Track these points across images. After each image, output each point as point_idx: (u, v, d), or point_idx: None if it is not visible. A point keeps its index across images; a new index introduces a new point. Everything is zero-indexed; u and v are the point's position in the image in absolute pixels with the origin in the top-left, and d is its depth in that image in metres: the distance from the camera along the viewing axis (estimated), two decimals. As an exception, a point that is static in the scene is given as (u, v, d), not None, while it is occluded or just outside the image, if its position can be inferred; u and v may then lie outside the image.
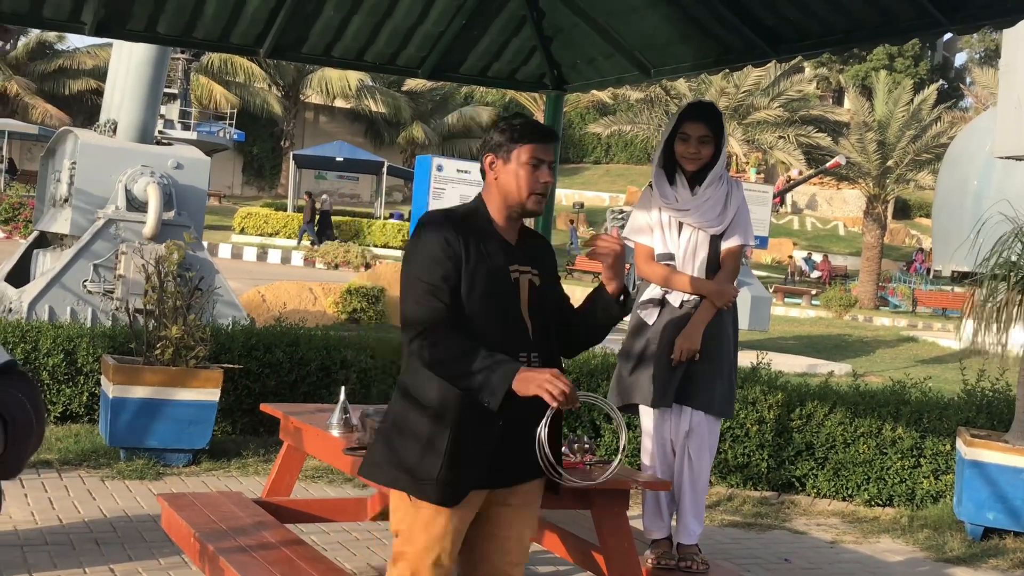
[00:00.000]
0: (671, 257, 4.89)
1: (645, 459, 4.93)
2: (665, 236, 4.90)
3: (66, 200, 11.97)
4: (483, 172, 3.43)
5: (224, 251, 31.56)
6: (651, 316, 4.88)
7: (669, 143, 4.86)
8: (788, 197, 55.46)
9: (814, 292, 36.34)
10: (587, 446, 4.32)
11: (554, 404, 3.05)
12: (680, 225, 4.89)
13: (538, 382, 3.06)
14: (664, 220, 4.91)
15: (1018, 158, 12.73)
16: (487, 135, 3.45)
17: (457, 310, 3.23)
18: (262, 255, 32.53)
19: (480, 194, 3.47)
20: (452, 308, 3.22)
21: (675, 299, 4.83)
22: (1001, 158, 13.05)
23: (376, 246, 35.42)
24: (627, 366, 4.95)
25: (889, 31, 4.83)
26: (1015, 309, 7.70)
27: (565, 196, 52.06)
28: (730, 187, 4.89)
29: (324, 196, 39.95)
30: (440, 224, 3.30)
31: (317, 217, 36.36)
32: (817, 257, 45.98)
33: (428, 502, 3.22)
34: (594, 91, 33.99)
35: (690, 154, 4.81)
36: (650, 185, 5.01)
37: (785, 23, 5.29)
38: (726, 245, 4.91)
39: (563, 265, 36.90)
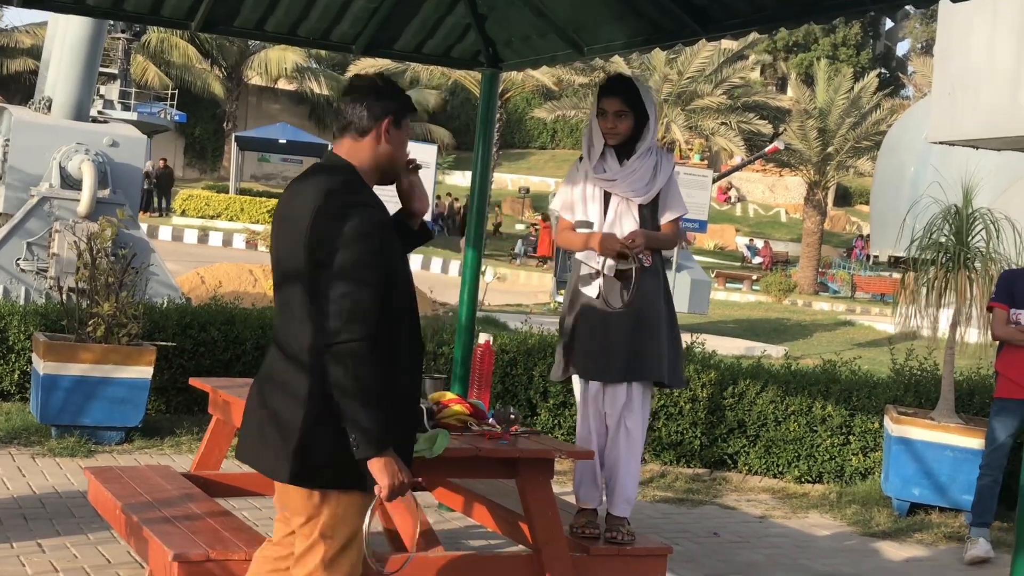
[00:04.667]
0: (589, 225, 4.94)
1: (579, 430, 4.99)
2: (587, 206, 4.96)
3: (0, 178, 11.82)
4: (358, 132, 3.27)
5: (164, 233, 31.25)
6: (592, 289, 4.93)
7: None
8: (733, 193, 55.94)
9: (755, 277, 36.68)
10: (512, 416, 4.36)
11: (382, 495, 3.09)
12: (607, 197, 4.94)
13: (390, 474, 3.07)
14: (588, 192, 4.96)
15: (951, 143, 12.93)
16: (367, 95, 3.28)
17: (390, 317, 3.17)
18: (203, 237, 32.23)
19: (346, 160, 3.27)
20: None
21: (609, 269, 4.88)
22: (935, 143, 13.25)
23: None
24: (565, 338, 5.00)
25: (815, 10, 4.89)
26: (944, 290, 7.85)
27: (511, 181, 52.11)
28: (659, 158, 4.95)
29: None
30: (370, 205, 3.19)
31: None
32: (759, 243, 46.41)
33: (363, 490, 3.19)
34: (536, 75, 34.02)
35: (608, 129, 4.90)
36: (580, 159, 5.07)
37: (715, 2, 5.34)
38: (663, 220, 4.98)
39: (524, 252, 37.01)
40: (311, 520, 3.20)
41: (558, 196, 5.16)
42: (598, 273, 4.90)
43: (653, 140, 4.97)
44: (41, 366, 7.34)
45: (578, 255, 5.01)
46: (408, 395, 3.27)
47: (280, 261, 3.24)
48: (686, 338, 9.50)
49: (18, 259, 11.20)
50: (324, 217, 3.11)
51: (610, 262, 4.84)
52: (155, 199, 37.65)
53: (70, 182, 11.44)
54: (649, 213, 4.94)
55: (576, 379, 5.00)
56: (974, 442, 7.47)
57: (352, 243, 3.08)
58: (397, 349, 3.19)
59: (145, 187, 34.59)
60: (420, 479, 5.07)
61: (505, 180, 51.28)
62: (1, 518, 5.69)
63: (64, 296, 8.18)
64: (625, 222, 4.90)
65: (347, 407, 3.05)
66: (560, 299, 19.37)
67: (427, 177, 10.92)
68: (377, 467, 3.08)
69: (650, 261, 4.87)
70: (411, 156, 3.47)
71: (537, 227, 37.90)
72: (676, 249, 15.93)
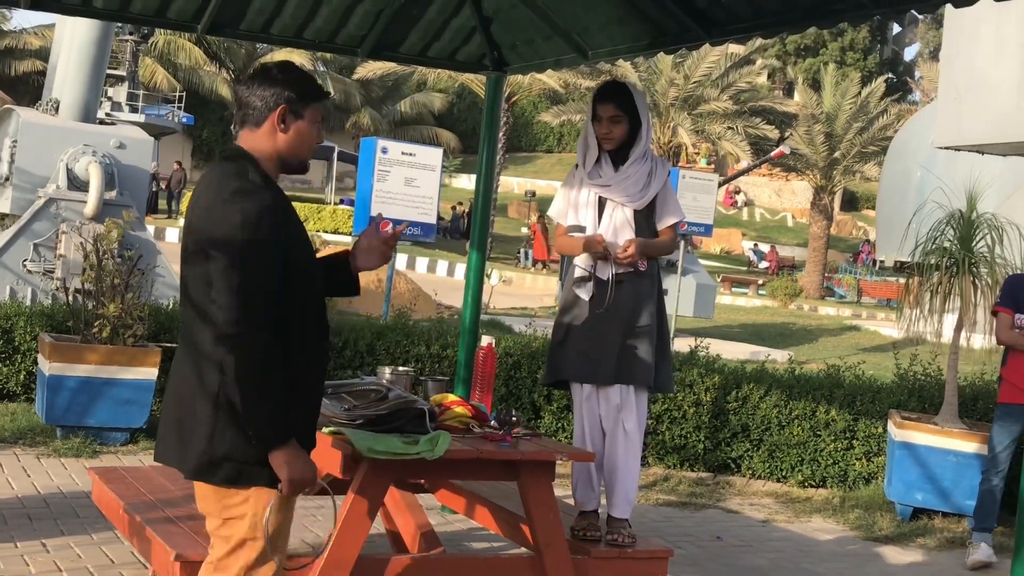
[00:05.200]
0: (582, 230, 4.97)
1: (576, 433, 5.01)
2: (582, 212, 4.98)
3: (7, 179, 11.87)
4: (255, 120, 3.17)
5: (171, 235, 31.30)
6: (585, 292, 4.95)
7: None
8: (740, 198, 55.94)
9: (761, 282, 36.66)
10: (514, 418, 4.37)
11: (283, 490, 3.03)
12: (602, 203, 4.96)
13: (291, 468, 3.01)
14: (583, 197, 4.99)
15: (957, 148, 12.94)
16: (261, 83, 3.17)
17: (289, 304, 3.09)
18: (210, 240, 32.22)
19: (247, 151, 3.18)
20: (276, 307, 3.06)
21: (604, 273, 4.89)
22: (941, 148, 13.25)
23: (326, 232, 35.25)
24: (559, 342, 5.02)
25: (818, 14, 4.90)
26: (948, 295, 7.85)
27: (517, 184, 52.16)
28: (654, 165, 4.97)
29: None
30: (258, 195, 3.07)
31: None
32: (765, 247, 46.38)
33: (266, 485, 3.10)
34: (542, 78, 34.01)
35: (603, 134, 4.93)
36: (576, 165, 5.10)
37: (718, 6, 5.35)
38: (662, 225, 5.00)
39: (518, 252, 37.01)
40: (228, 521, 3.11)
41: (555, 202, 5.19)
42: (591, 276, 4.93)
43: (647, 146, 4.99)
44: (47, 367, 7.37)
45: (575, 259, 5.04)
46: (309, 385, 3.19)
47: (182, 254, 3.15)
48: (691, 342, 9.55)
49: (24, 260, 11.24)
50: (211, 207, 3.04)
51: (601, 264, 4.87)
52: (167, 202, 37.74)
53: (77, 184, 11.48)
54: (644, 219, 4.96)
55: (572, 383, 5.03)
56: (977, 447, 7.47)
57: (239, 232, 2.98)
58: (296, 339, 3.11)
59: (154, 190, 34.80)
60: (422, 480, 5.09)
61: (511, 184, 51.32)
62: (6, 518, 5.72)
63: (70, 297, 8.20)
64: (621, 228, 4.91)
65: (240, 400, 2.97)
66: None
67: (432, 181, 10.95)
68: (277, 461, 3.01)
69: (645, 266, 4.90)
70: (382, 219, 3.42)
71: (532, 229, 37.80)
72: (681, 253, 15.93)
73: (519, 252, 37.86)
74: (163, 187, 36.93)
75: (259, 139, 3.18)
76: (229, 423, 3.02)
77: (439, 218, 39.52)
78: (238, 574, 3.11)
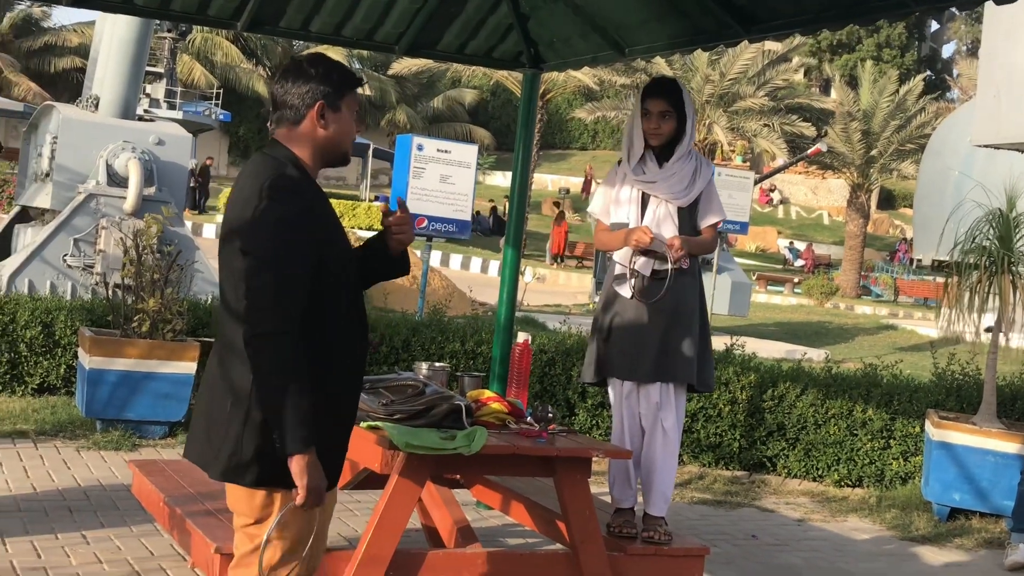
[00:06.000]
0: (624, 227, 4.97)
1: (614, 430, 5.02)
2: (625, 208, 4.98)
3: (47, 175, 11.98)
4: (293, 119, 3.14)
5: (208, 231, 31.50)
6: (626, 289, 4.95)
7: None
8: (775, 195, 55.63)
9: (796, 280, 36.46)
10: (550, 415, 4.38)
11: (299, 500, 2.97)
12: (645, 199, 4.96)
13: (309, 475, 2.93)
14: (626, 193, 4.99)
15: (996, 146, 12.81)
16: (296, 80, 3.13)
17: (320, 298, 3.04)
18: (246, 236, 32.39)
19: (287, 147, 3.14)
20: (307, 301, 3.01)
21: (645, 268, 4.90)
22: (979, 146, 13.13)
23: (361, 228, 35.37)
24: (600, 340, 5.02)
25: (858, 11, 4.89)
26: (987, 294, 7.79)
27: (551, 182, 52.10)
28: (698, 163, 4.99)
29: None
30: (295, 192, 3.04)
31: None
32: (801, 245, 46.12)
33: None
34: (577, 75, 33.96)
35: (652, 129, 4.93)
36: (618, 162, 5.10)
37: (757, 3, 5.35)
38: (704, 224, 5.02)
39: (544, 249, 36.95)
40: (256, 522, 3.10)
41: (595, 199, 5.20)
42: (633, 273, 4.92)
43: (691, 143, 4.99)
44: (87, 361, 7.45)
45: (615, 256, 5.04)
46: (340, 392, 3.15)
47: (219, 251, 3.13)
48: (726, 340, 9.53)
49: (65, 255, 11.35)
50: (246, 204, 3.00)
51: (643, 260, 4.86)
52: (196, 197, 37.95)
53: (117, 180, 11.58)
54: (687, 216, 4.96)
55: (611, 379, 5.03)
56: (1016, 447, 7.41)
57: (272, 230, 2.95)
58: (327, 343, 3.06)
59: (191, 185, 34.93)
60: (458, 475, 5.11)
61: (545, 181, 51.27)
62: (47, 510, 5.79)
63: (110, 292, 8.28)
64: (664, 224, 4.92)
65: (267, 402, 2.94)
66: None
67: (467, 178, 10.96)
68: (296, 468, 2.95)
69: (688, 264, 4.90)
70: (389, 207, 3.37)
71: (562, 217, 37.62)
72: (716, 251, 15.89)
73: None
74: (198, 182, 37.07)
75: (299, 136, 3.14)
76: (257, 425, 3.00)
77: (476, 215, 39.70)
78: (260, 572, 3.09)
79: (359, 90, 3.24)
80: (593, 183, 46.90)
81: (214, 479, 3.11)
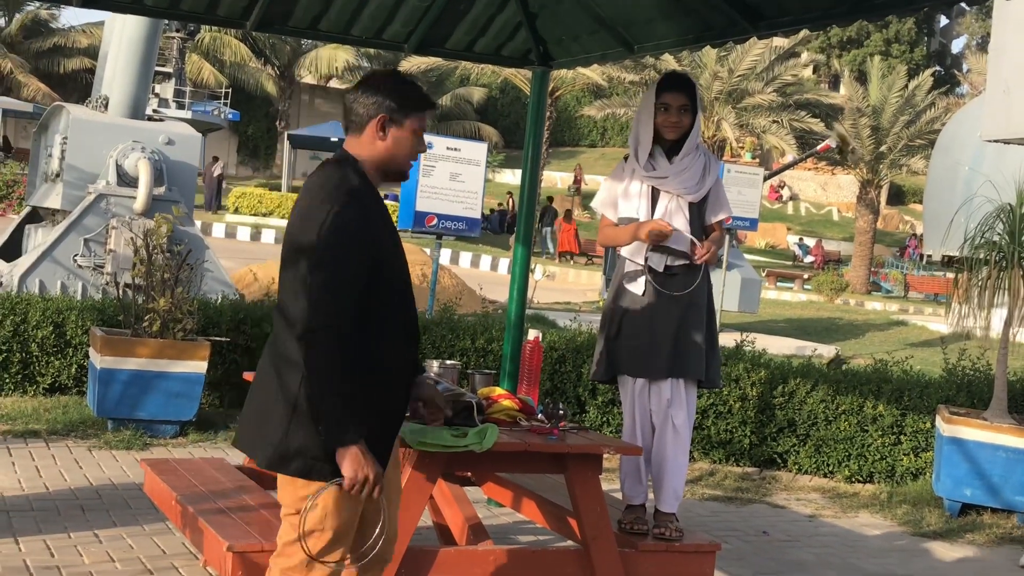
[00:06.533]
0: (633, 221, 4.96)
1: (625, 426, 5.02)
2: (634, 203, 4.97)
3: (57, 175, 12.01)
4: (358, 127, 3.27)
5: (218, 231, 31.55)
6: (638, 286, 4.94)
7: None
8: (785, 192, 55.53)
9: (806, 276, 36.39)
10: (561, 412, 4.39)
11: (345, 487, 3.10)
12: (655, 194, 4.96)
13: (355, 467, 3.05)
14: (634, 188, 4.98)
15: (1006, 141, 12.77)
16: (366, 91, 3.26)
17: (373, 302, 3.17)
18: (256, 235, 32.47)
19: (351, 154, 3.28)
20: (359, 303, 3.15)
21: (658, 263, 4.90)
22: (989, 141, 13.09)
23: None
24: (610, 337, 5.02)
25: (866, 7, 4.88)
26: (997, 289, 7.78)
27: (560, 179, 52.04)
28: (708, 159, 4.99)
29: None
30: (354, 196, 3.17)
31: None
32: (810, 242, 46.04)
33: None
34: (586, 72, 33.96)
35: (671, 123, 4.92)
36: (624, 158, 5.09)
37: (765, 0, 5.34)
38: (714, 219, 5.02)
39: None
40: (298, 512, 3.19)
41: (600, 194, 5.18)
42: (644, 270, 4.92)
43: (698, 138, 5.00)
44: (98, 360, 7.47)
45: (623, 251, 5.01)
46: (388, 389, 3.25)
47: (281, 250, 3.26)
48: (736, 337, 9.52)
49: (75, 255, 11.37)
50: (309, 205, 3.14)
51: (657, 255, 4.86)
52: (207, 199, 37.97)
53: (126, 179, 11.60)
54: (696, 212, 4.97)
55: (621, 376, 5.03)
56: (1028, 443, 7.40)
57: (327, 232, 3.07)
58: (377, 342, 3.19)
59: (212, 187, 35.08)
60: (469, 473, 5.12)
61: (555, 178, 51.24)
62: (59, 508, 5.82)
63: (120, 292, 8.31)
64: (675, 219, 4.91)
65: (314, 395, 3.07)
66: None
67: (477, 176, 10.97)
68: (342, 458, 3.08)
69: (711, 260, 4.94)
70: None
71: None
72: (726, 247, 15.88)
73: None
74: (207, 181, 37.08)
75: (361, 145, 3.27)
76: (304, 418, 3.11)
77: (488, 212, 39.71)
78: (301, 562, 3.20)
79: (428, 112, 3.32)
80: (582, 185, 46.94)
81: (261, 467, 3.24)
